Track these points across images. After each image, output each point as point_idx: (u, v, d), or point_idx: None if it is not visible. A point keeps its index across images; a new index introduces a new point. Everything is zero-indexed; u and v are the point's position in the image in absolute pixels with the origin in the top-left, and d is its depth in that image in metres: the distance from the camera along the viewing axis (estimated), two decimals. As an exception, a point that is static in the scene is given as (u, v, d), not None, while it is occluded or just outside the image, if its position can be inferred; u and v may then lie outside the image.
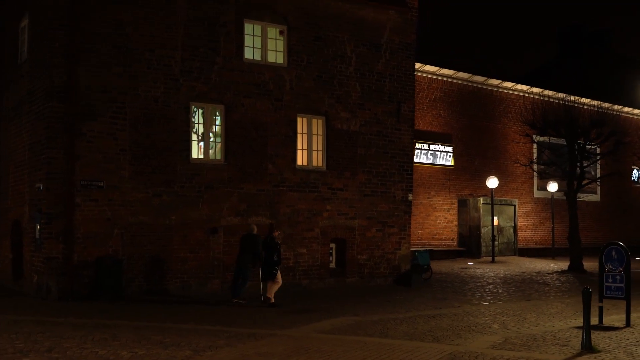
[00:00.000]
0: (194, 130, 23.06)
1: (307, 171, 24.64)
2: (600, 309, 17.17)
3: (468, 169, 38.89)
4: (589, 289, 14.21)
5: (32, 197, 21.95)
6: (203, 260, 22.83)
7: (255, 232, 21.36)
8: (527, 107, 39.64)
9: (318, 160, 25.01)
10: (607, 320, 17.55)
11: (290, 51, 24.42)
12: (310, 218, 24.51)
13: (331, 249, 25.21)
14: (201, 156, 23.16)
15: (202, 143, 23.21)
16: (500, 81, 39.76)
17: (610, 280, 17.07)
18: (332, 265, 25.30)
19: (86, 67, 21.36)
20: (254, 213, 23.63)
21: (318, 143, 24.99)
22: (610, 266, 17.08)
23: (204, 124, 23.27)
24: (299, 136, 24.59)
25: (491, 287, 26.17)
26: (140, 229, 21.94)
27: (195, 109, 23.08)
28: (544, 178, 38.56)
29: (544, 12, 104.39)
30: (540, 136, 35.06)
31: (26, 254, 22.52)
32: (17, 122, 23.56)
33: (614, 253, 17.03)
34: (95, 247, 21.31)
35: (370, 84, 25.71)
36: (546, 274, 31.09)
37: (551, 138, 35.64)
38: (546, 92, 40.54)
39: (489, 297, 23.30)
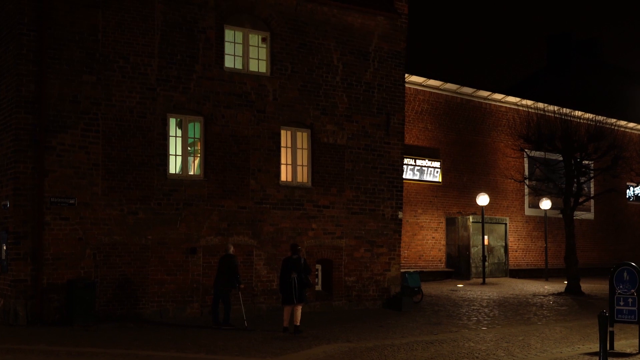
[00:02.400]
0: (171, 143, 22.76)
1: (291, 187, 24.49)
2: (611, 334, 17.11)
3: (456, 186, 38.93)
4: (605, 312, 14.14)
5: (-2, 216, 21.59)
6: (181, 282, 22.58)
7: (231, 251, 21.20)
8: (519, 120, 39.89)
9: (303, 175, 24.89)
10: (617, 345, 17.52)
11: (273, 59, 24.31)
12: (295, 237, 24.35)
13: (317, 270, 25.02)
14: (179, 171, 22.94)
15: (179, 157, 22.94)
16: (489, 93, 39.90)
17: (621, 303, 17.04)
18: (318, 287, 25.13)
19: (56, 75, 21.13)
20: (235, 232, 23.44)
21: (303, 157, 24.87)
22: (622, 288, 17.05)
23: (181, 136, 23.01)
24: (282, 150, 24.47)
25: (486, 310, 26.11)
26: (114, 249, 21.69)
27: (172, 121, 22.81)
28: (538, 195, 38.65)
29: (531, 21, 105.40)
30: (535, 151, 35.15)
31: (-10, 277, 22.10)
32: (-21, 135, 23.14)
33: (625, 274, 17.01)
34: (66, 268, 21.03)
35: (357, 94, 25.65)
36: (542, 297, 31.10)
37: (546, 153, 35.73)
38: (539, 104, 40.67)
39: (486, 322, 23.23)
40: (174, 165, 22.86)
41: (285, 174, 24.51)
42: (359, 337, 19.48)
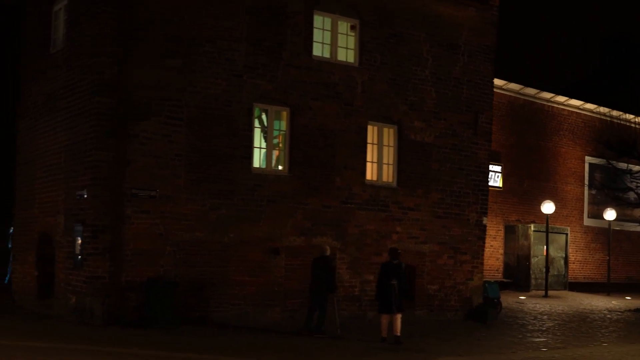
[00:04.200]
0: (256, 135, 21.81)
1: (377, 187, 23.54)
2: None
3: (516, 192, 37.94)
4: None
5: (70, 207, 20.61)
6: (262, 285, 21.63)
7: (328, 253, 20.21)
8: (582, 124, 39.03)
9: (388, 175, 23.93)
10: None
11: (362, 49, 23.37)
12: (379, 240, 23.40)
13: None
14: (263, 165, 21.93)
15: (264, 150, 21.97)
16: (552, 95, 38.93)
17: None
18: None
19: (139, 58, 20.16)
20: (318, 233, 22.47)
21: (389, 155, 23.89)
22: None
23: (267, 128, 22.03)
24: (368, 147, 23.43)
25: (574, 325, 25.24)
26: (195, 246, 20.72)
27: (258, 111, 21.84)
28: (601, 204, 37.74)
29: (585, 21, 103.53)
30: (617, 160, 34.14)
31: (59, 272, 21.14)
32: (48, 120, 22.22)
33: None
34: (145, 266, 20.05)
35: (446, 90, 24.69)
36: (619, 312, 30.16)
37: (611, 161, 34.85)
38: (601, 108, 39.78)
39: (584, 338, 22.34)
40: (258, 159, 21.84)
41: (370, 173, 23.55)
42: (467, 352, 18.58)
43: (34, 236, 22.78)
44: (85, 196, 19.92)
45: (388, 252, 20.09)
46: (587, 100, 40.60)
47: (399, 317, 19.38)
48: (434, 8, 24.50)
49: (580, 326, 25.01)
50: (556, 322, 25.75)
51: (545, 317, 27.12)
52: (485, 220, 25.68)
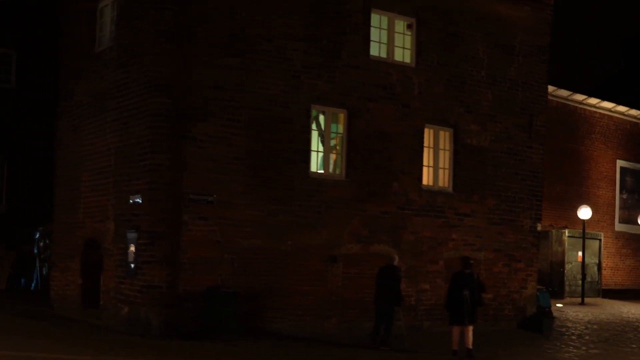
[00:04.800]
0: (314, 138, 21.12)
1: (433, 192, 22.86)
2: None
3: (549, 196, 37.14)
4: None
5: (122, 212, 19.86)
6: (320, 294, 20.94)
7: (396, 262, 19.53)
8: (613, 127, 38.52)
9: (444, 180, 23.26)
10: None
11: (419, 49, 22.69)
12: (435, 248, 22.74)
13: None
14: (320, 170, 21.23)
15: (321, 154, 21.26)
16: (585, 97, 38.31)
17: None
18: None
19: (197, 56, 19.42)
20: (376, 240, 21.82)
21: (445, 160, 23.20)
22: None
23: (324, 131, 21.34)
24: (424, 150, 22.76)
25: (631, 335, 24.67)
26: (254, 254, 20.00)
27: (315, 113, 21.15)
28: (632, 209, 37.22)
29: (605, 21, 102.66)
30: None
31: (108, 280, 20.40)
32: (94, 121, 21.47)
33: None
34: (203, 275, 19.31)
35: (502, 92, 24.05)
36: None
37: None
38: (632, 111, 39.29)
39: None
40: (316, 163, 21.14)
41: (426, 178, 22.85)
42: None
43: (79, 242, 22.02)
44: (140, 201, 19.16)
45: (460, 261, 19.37)
46: (613, 102, 40.00)
47: (470, 329, 18.73)
48: (490, 7, 23.86)
49: (638, 337, 24.37)
50: (610, 332, 25.16)
51: (596, 326, 26.51)
52: (539, 227, 25.06)
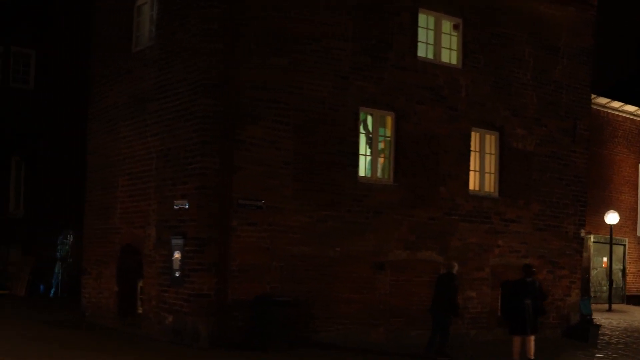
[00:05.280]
0: (362, 142, 20.58)
1: (479, 197, 22.35)
2: None
3: (573, 201, 36.80)
4: None
5: (165, 218, 19.27)
6: (367, 302, 20.40)
7: (455, 270, 19.00)
8: (636, 130, 38.12)
9: (490, 184, 22.71)
10: None
11: (465, 50, 22.17)
12: (481, 254, 22.23)
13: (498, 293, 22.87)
14: (368, 174, 20.69)
15: (369, 158, 20.72)
16: (608, 100, 37.87)
17: None
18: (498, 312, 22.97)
19: (244, 56, 18.82)
20: (423, 246, 21.29)
21: (490, 164, 22.68)
22: None
23: (372, 134, 20.80)
24: (471, 154, 22.24)
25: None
26: (302, 261, 19.46)
27: (363, 116, 20.61)
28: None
29: (618, 21, 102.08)
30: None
31: (149, 288, 19.82)
32: (132, 123, 20.87)
33: None
34: (252, 282, 18.75)
35: (546, 94, 23.57)
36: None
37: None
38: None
39: None
40: (364, 167, 20.59)
41: (473, 182, 22.30)
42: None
43: (115, 248, 21.38)
44: (187, 207, 18.54)
45: (522, 269, 18.85)
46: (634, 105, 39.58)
47: (532, 338, 18.25)
48: (535, 7, 23.36)
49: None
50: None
51: (637, 334, 26.03)
52: (583, 233, 24.56)
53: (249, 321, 18.48)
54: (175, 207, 18.94)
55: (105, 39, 22.77)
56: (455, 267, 19.11)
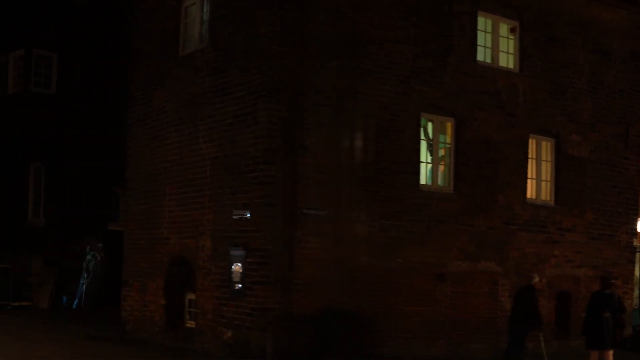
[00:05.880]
0: (423, 148, 20.03)
1: (536, 206, 21.84)
2: None
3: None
4: None
5: (222, 228, 18.66)
6: (428, 315, 19.84)
7: (534, 282, 18.44)
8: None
9: (546, 192, 22.20)
10: None
11: (522, 54, 21.64)
12: (537, 265, 21.71)
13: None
14: (429, 182, 20.14)
15: (429, 165, 20.17)
16: None
17: None
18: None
19: (307, 59, 18.23)
20: (482, 257, 20.74)
21: (546, 171, 22.17)
22: None
23: (432, 141, 20.25)
24: (528, 161, 21.75)
25: None
26: (364, 273, 18.87)
27: (424, 122, 20.06)
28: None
29: None
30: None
31: (204, 301, 19.21)
32: (182, 129, 20.21)
33: None
34: (315, 295, 18.16)
35: (600, 100, 23.10)
36: None
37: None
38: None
39: None
40: (424, 175, 20.03)
41: (530, 190, 21.79)
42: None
43: (162, 260, 20.69)
44: (249, 216, 17.87)
45: (600, 281, 18.32)
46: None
47: (611, 353, 17.74)
48: (589, 11, 22.88)
49: None
50: None
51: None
52: (636, 242, 24.06)
53: (314, 335, 17.86)
54: (234, 216, 18.24)
55: (146, 42, 22.11)
56: (536, 279, 18.54)
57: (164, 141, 20.82)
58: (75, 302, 28.86)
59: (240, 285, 18.08)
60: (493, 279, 20.85)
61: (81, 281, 28.60)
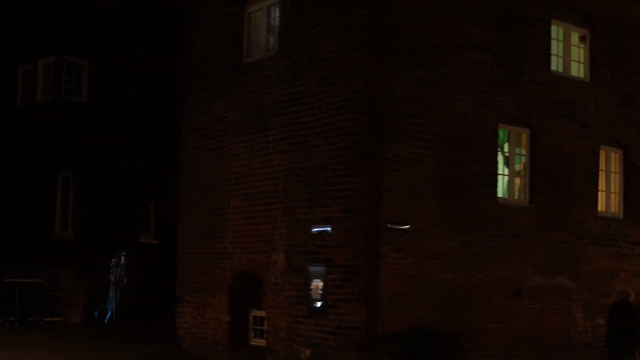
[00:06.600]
0: (500, 160, 19.59)
1: (607, 219, 21.44)
2: None
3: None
4: None
5: (298, 243, 18.05)
6: (505, 332, 19.35)
7: (631, 298, 17.98)
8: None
9: (615, 205, 21.81)
10: None
11: (592, 63, 21.25)
12: (608, 280, 21.32)
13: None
14: (506, 195, 19.67)
15: (506, 177, 19.72)
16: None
17: None
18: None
19: (388, 69, 17.72)
20: (557, 272, 20.30)
21: (615, 183, 21.80)
22: None
23: (509, 152, 19.81)
24: (599, 174, 21.37)
25: None
26: (446, 289, 18.36)
27: (501, 133, 19.61)
28: None
29: None
30: None
31: (277, 319, 18.67)
32: (248, 139, 19.61)
33: None
34: (399, 313, 17.63)
35: (665, 111, 22.72)
36: None
37: None
38: None
39: None
40: (502, 188, 19.57)
41: (600, 203, 21.39)
42: None
43: (225, 275, 20.06)
44: (330, 231, 17.29)
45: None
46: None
47: None
48: (650, 18, 22.52)
49: None
50: None
51: None
52: (695, 256, 23.69)
53: (399, 354, 17.27)
54: (313, 231, 17.62)
55: (202, 50, 21.49)
56: (632, 295, 18.09)
57: (227, 152, 20.20)
58: (107, 316, 28.11)
59: (321, 303, 17.44)
60: (567, 295, 20.45)
61: (110, 295, 27.87)
